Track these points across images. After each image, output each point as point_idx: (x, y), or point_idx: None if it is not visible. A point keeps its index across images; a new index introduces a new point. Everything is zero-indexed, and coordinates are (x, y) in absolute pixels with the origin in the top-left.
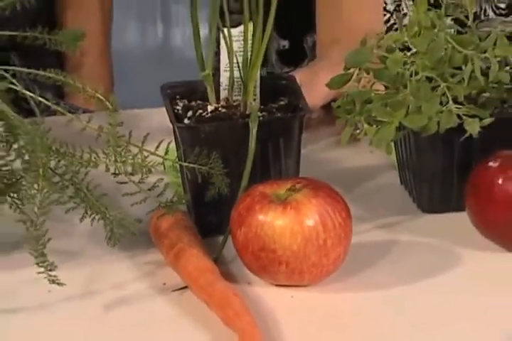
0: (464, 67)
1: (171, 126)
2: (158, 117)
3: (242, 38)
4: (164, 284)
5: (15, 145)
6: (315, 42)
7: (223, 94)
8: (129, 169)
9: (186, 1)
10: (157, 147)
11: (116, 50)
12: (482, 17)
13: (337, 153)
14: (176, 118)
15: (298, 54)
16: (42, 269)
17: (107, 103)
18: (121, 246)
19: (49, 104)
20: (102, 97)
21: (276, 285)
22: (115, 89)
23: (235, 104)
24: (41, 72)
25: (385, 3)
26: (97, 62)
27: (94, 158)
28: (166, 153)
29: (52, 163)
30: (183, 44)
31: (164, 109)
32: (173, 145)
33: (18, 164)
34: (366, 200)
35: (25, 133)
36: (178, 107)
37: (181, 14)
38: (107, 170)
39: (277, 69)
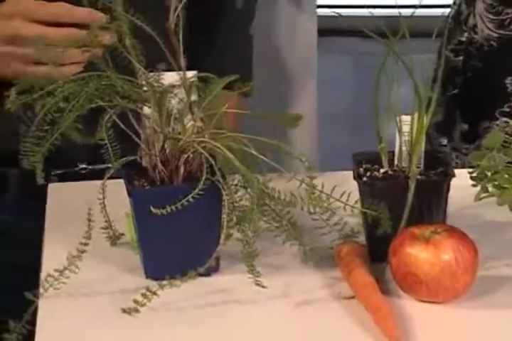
0: None
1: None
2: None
3: (409, 122)
4: (339, 293)
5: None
6: (486, 127)
7: (395, 161)
8: (319, 210)
9: None
10: (341, 196)
11: None
12: None
13: (477, 210)
14: (359, 176)
15: (474, 135)
16: (251, 275)
17: (306, 162)
18: (312, 263)
19: (267, 161)
20: (303, 158)
21: (418, 300)
22: None
23: (402, 169)
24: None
25: None
26: None
27: (294, 201)
28: (347, 200)
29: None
30: None
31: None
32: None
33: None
34: (495, 245)
35: (251, 182)
36: (361, 169)
37: None
38: (302, 209)
39: (460, 146)
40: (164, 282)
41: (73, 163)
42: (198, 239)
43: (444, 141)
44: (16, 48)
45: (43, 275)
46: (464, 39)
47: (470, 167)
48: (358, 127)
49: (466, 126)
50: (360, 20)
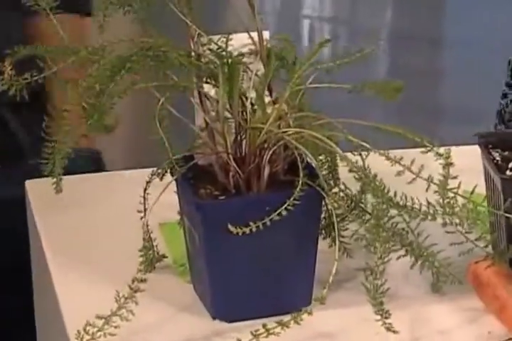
0: None
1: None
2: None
3: None
4: (489, 333)
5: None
6: None
7: None
8: (457, 220)
9: None
10: (483, 200)
11: None
12: None
13: None
14: (499, 169)
15: None
16: (379, 317)
17: (445, 157)
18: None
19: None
20: (439, 150)
21: None
22: None
23: None
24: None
25: None
26: None
27: (433, 211)
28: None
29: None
30: None
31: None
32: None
33: None
34: None
35: (375, 191)
36: (498, 159)
37: None
38: (444, 224)
39: None
40: (259, 329)
41: None
42: (288, 265)
43: None
44: None
45: (67, 318)
46: None
47: None
48: None
49: None
50: None
